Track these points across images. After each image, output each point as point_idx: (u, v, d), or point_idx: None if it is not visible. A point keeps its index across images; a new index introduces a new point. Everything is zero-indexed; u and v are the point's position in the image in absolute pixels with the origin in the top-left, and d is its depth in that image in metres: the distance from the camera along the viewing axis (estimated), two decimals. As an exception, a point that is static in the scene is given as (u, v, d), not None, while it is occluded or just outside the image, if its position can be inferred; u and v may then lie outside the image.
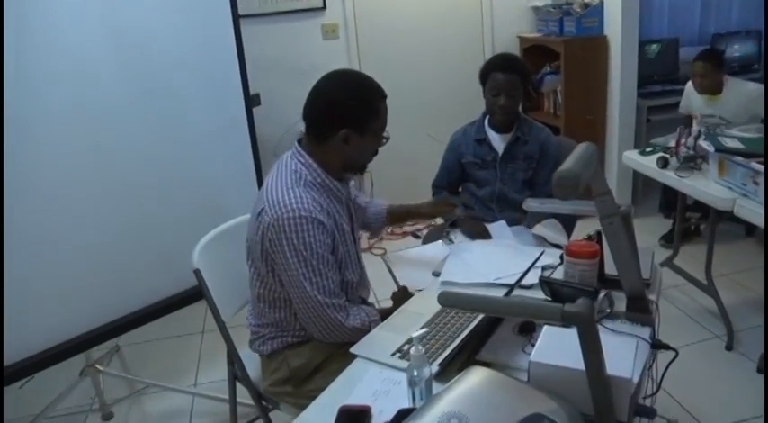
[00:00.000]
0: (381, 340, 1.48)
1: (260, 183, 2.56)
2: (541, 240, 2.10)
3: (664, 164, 2.57)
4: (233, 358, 1.89)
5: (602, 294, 1.38)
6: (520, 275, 1.63)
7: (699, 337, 2.66)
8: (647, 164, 2.68)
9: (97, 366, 2.44)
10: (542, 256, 1.77)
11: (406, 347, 1.43)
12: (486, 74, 2.29)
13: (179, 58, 2.30)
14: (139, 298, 2.29)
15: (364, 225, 2.01)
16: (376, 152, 1.68)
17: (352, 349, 1.46)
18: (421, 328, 1.36)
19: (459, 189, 2.55)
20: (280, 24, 4.05)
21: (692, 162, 2.49)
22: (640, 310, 1.35)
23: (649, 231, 3.72)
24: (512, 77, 2.22)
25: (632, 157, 2.83)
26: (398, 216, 2.06)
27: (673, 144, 2.61)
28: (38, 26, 1.90)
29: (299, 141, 1.65)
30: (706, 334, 2.68)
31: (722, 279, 2.98)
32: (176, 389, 2.54)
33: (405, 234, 4.23)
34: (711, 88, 3.28)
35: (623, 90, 3.82)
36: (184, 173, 2.36)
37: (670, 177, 2.52)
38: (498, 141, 2.35)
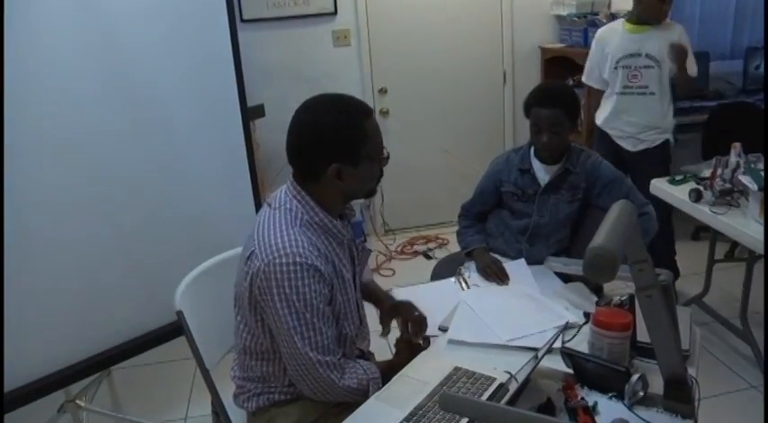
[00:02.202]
0: (376, 415, 1.29)
1: (258, 209, 2.38)
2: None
3: (697, 197, 2.35)
4: (217, 410, 1.72)
5: (635, 377, 1.18)
6: (534, 338, 1.46)
7: (732, 387, 2.41)
8: (678, 195, 2.47)
9: (77, 402, 2.27)
10: (564, 313, 1.59)
11: (402, 427, 1.24)
12: (528, 108, 2.08)
13: (170, 73, 2.14)
14: (126, 330, 2.15)
15: None
16: (381, 174, 1.48)
17: (342, 425, 1.28)
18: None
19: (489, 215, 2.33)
20: (288, 30, 3.90)
21: (729, 196, 2.27)
22: (681, 400, 1.14)
23: (679, 258, 3.48)
24: (555, 113, 1.99)
25: (661, 187, 2.61)
26: (368, 294, 1.79)
27: (706, 174, 2.39)
28: (16, 34, 1.74)
29: (295, 177, 1.46)
30: (740, 383, 2.44)
31: (758, 317, 2.74)
32: (162, 428, 2.38)
33: (416, 253, 4.05)
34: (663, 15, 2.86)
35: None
36: (174, 196, 2.20)
37: (703, 212, 2.30)
38: (543, 173, 2.12)
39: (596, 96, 3.17)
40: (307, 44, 3.94)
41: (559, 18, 4.06)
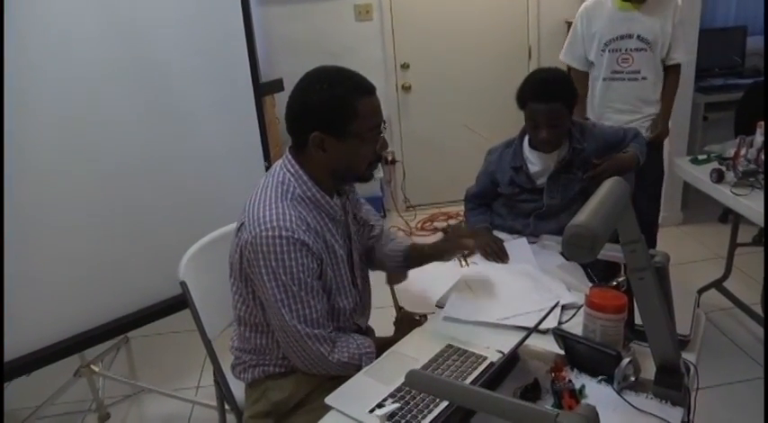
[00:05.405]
0: (362, 390, 1.29)
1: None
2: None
3: (718, 177, 2.26)
4: (218, 380, 1.74)
5: (625, 361, 1.15)
6: (529, 316, 1.43)
7: (750, 375, 2.32)
8: (699, 175, 2.38)
9: (92, 367, 2.34)
10: (564, 293, 1.55)
11: (388, 402, 1.23)
12: (523, 101, 1.94)
13: (182, 50, 2.14)
14: (137, 300, 2.18)
15: (379, 263, 1.74)
16: (378, 157, 1.45)
17: (327, 399, 1.28)
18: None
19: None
20: (310, 4, 3.88)
21: (752, 177, 2.18)
22: (672, 386, 1.11)
23: (700, 241, 3.39)
24: (554, 107, 1.87)
25: (683, 166, 2.52)
26: (417, 258, 1.73)
27: (730, 154, 2.30)
28: (28, 18, 1.76)
29: (291, 149, 1.45)
30: (758, 371, 2.35)
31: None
32: (174, 396, 2.42)
33: (436, 230, 4.02)
34: None
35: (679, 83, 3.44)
36: (188, 173, 2.23)
37: (724, 193, 2.21)
38: (541, 163, 2.02)
39: (579, 79, 2.72)
40: (328, 18, 3.90)
41: (588, -9, 3.92)
